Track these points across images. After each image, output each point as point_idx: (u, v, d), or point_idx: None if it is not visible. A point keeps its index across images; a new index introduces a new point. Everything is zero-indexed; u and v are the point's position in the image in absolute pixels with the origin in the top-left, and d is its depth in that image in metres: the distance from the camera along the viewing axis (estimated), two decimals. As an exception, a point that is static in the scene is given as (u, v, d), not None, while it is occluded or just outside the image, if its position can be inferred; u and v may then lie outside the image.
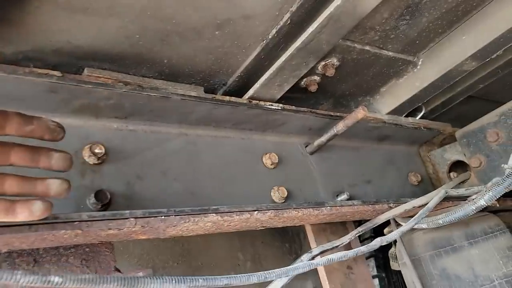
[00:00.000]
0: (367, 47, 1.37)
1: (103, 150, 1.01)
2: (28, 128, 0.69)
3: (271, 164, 1.34)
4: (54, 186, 0.72)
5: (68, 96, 0.96)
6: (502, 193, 1.35)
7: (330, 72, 1.37)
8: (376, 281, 2.15)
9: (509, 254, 1.55)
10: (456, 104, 1.96)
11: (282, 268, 1.02)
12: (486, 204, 1.36)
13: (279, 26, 1.13)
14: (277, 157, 1.36)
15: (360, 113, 1.32)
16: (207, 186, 1.18)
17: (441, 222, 1.44)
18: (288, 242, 1.95)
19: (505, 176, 1.35)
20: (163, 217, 0.92)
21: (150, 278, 0.82)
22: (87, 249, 0.99)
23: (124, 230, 0.89)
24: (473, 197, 1.50)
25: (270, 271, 0.99)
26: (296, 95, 1.51)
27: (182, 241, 1.60)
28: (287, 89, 1.31)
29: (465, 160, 1.78)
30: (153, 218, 0.90)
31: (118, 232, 0.89)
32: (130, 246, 1.50)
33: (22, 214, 0.66)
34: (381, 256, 2.21)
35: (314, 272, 1.57)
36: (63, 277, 0.67)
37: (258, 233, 1.85)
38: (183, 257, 1.60)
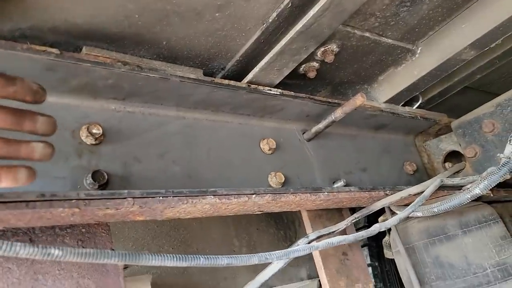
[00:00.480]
0: (367, 34, 1.37)
1: (100, 131, 1.00)
2: (11, 89, 0.67)
3: (269, 150, 1.34)
4: (39, 149, 0.70)
5: (65, 74, 0.95)
6: (497, 182, 1.36)
7: (330, 58, 1.37)
8: (370, 269, 2.16)
9: (501, 243, 1.57)
10: (453, 95, 1.96)
11: (282, 250, 1.02)
12: (481, 193, 1.37)
13: (279, 9, 1.12)
14: (274, 142, 1.35)
15: (358, 99, 1.31)
16: (205, 169, 1.18)
17: (436, 211, 1.45)
18: (283, 229, 1.95)
19: (500, 165, 1.36)
20: (161, 198, 0.91)
21: (151, 255, 0.81)
22: (83, 230, 0.98)
23: (122, 210, 0.88)
24: (468, 186, 1.51)
25: (270, 252, 0.99)
26: (294, 81, 1.50)
27: (178, 226, 1.60)
28: (286, 73, 1.30)
29: (460, 150, 1.79)
30: (151, 198, 0.90)
31: (116, 212, 0.88)
32: (125, 230, 1.49)
33: (6, 181, 0.64)
34: (375, 245, 2.23)
35: (308, 259, 1.58)
36: (63, 250, 0.66)
37: (253, 220, 1.86)
38: (179, 242, 1.60)
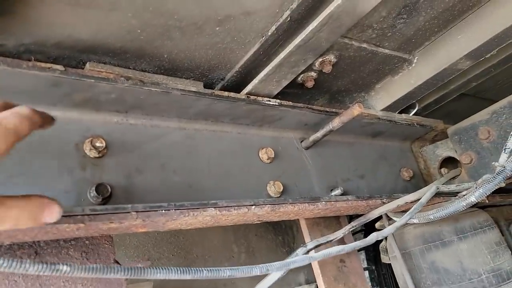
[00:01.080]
0: (364, 45, 1.39)
1: (103, 144, 1.02)
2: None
3: (267, 159, 1.36)
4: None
5: (69, 90, 0.97)
6: (492, 190, 1.39)
7: (327, 68, 1.39)
8: (366, 273, 2.19)
9: (496, 249, 1.60)
10: (449, 102, 1.99)
11: (281, 261, 1.05)
12: (477, 201, 1.40)
13: (279, 23, 1.14)
14: (273, 151, 1.38)
15: (356, 109, 1.34)
16: (205, 179, 1.20)
17: (432, 218, 1.47)
18: (281, 235, 1.97)
19: (495, 173, 1.39)
20: (163, 211, 0.93)
21: (155, 268, 0.84)
22: (87, 242, 1.00)
23: (125, 224, 0.90)
24: (464, 193, 1.53)
25: (270, 263, 1.01)
26: (292, 91, 1.52)
27: (178, 233, 1.62)
28: (285, 85, 1.33)
29: (456, 157, 1.82)
30: (153, 212, 0.92)
31: (119, 226, 0.90)
32: (126, 238, 1.51)
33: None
34: (372, 249, 2.26)
35: (307, 265, 1.60)
36: (71, 266, 0.69)
37: (252, 226, 1.88)
38: (179, 248, 1.62)
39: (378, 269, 2.22)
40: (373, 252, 2.23)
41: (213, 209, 1.01)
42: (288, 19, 1.13)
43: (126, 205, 0.89)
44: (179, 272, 0.83)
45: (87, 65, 1.05)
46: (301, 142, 1.52)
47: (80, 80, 0.95)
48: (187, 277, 0.84)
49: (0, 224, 0.58)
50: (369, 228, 2.05)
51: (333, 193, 1.47)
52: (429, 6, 1.29)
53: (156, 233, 1.59)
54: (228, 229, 1.80)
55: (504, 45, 1.40)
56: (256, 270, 0.94)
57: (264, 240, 1.87)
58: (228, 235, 1.77)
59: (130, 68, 1.16)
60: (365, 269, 2.19)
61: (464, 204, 1.42)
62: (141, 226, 0.96)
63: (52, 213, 0.64)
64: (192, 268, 0.85)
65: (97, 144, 1.01)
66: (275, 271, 0.99)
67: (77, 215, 0.82)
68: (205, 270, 0.86)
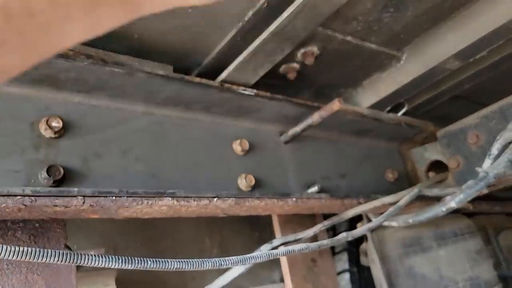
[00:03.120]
0: (349, 38, 1.34)
1: (60, 124, 0.98)
2: None
3: (241, 151, 1.31)
4: None
5: (24, 65, 0.92)
6: (473, 196, 1.33)
7: (309, 60, 1.34)
8: (347, 275, 2.14)
9: (476, 257, 1.55)
10: (441, 104, 1.93)
11: (239, 256, 1.00)
12: (456, 207, 1.35)
13: (255, 8, 1.09)
14: (248, 144, 1.33)
15: (335, 104, 1.29)
16: (171, 169, 1.15)
17: (411, 222, 1.43)
18: (258, 230, 1.92)
19: (477, 179, 1.34)
20: (114, 197, 0.89)
21: (96, 256, 0.79)
22: (37, 225, 0.96)
23: (72, 208, 0.86)
24: (446, 198, 1.48)
25: (225, 258, 0.97)
26: (274, 82, 1.47)
27: (147, 222, 1.57)
28: (262, 74, 1.27)
29: (444, 161, 1.76)
30: (103, 197, 0.87)
31: (66, 210, 0.86)
32: (91, 224, 1.47)
33: None
34: (355, 251, 2.20)
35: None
36: (1, 247, 0.65)
37: (227, 220, 1.83)
38: (147, 239, 1.57)
39: (360, 272, 2.17)
40: (355, 254, 2.18)
41: (170, 199, 0.97)
42: (265, 4, 1.08)
43: (72, 189, 0.85)
44: (121, 261, 0.79)
45: (46, 40, 1.00)
46: (280, 135, 1.47)
47: (35, 55, 0.90)
48: (129, 266, 0.80)
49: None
50: (354, 228, 2.00)
51: (309, 190, 1.42)
52: (417, 0, 1.23)
53: (125, 222, 1.55)
54: (202, 221, 1.75)
55: (495, 46, 1.34)
56: (208, 264, 0.90)
57: (239, 235, 1.82)
58: (201, 228, 1.72)
59: (99, 48, 1.11)
60: (346, 271, 2.14)
61: (444, 209, 1.37)
62: (91, 212, 0.91)
63: None
64: (135, 258, 0.81)
65: (53, 124, 0.97)
66: (230, 266, 0.94)
67: (16, 195, 0.78)
68: (149, 260, 0.82)
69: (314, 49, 1.33)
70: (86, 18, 0.30)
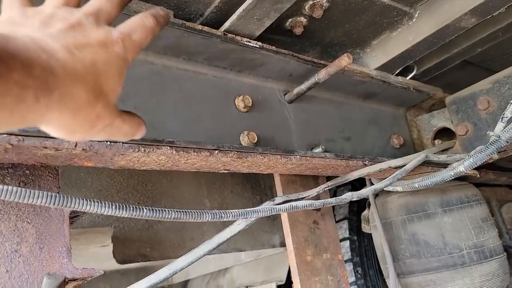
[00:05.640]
0: (360, -11, 1.26)
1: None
2: None
3: (244, 107, 1.25)
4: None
5: None
6: (484, 160, 1.29)
7: (318, 13, 1.27)
8: (348, 243, 2.12)
9: (482, 225, 1.51)
10: (451, 69, 1.86)
11: (240, 209, 0.95)
12: (465, 171, 1.30)
13: (263, -50, 1.02)
14: (251, 100, 1.27)
15: (344, 60, 1.22)
16: (170, 121, 1.09)
17: (417, 186, 1.38)
18: (259, 194, 1.89)
19: (488, 143, 1.28)
20: (108, 142, 0.83)
21: (87, 200, 0.75)
22: (27, 172, 0.91)
23: (63, 152, 0.81)
24: (454, 164, 1.43)
25: (226, 210, 0.92)
26: (280, 37, 1.40)
27: (146, 181, 1.53)
28: (267, 24, 1.20)
29: (452, 128, 1.71)
30: (96, 142, 0.82)
31: (57, 154, 0.81)
32: (89, 179, 1.42)
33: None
34: (355, 219, 2.18)
35: (282, 226, 1.51)
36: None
37: (228, 182, 1.79)
38: (145, 197, 1.54)
39: (360, 240, 2.14)
40: (356, 222, 2.15)
41: (168, 148, 0.91)
42: None
43: (63, 131, 0.79)
44: (114, 207, 0.74)
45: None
46: (284, 94, 1.41)
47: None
48: (124, 214, 0.75)
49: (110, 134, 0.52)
50: (363, 201, 1.97)
51: (313, 151, 1.37)
52: None
53: (122, 179, 1.51)
54: (202, 182, 1.71)
55: (515, 1, 1.27)
56: (207, 216, 0.85)
57: (240, 198, 1.79)
58: (201, 189, 1.68)
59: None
60: (346, 239, 2.12)
61: (452, 174, 1.32)
62: (84, 158, 0.86)
63: (142, 133, 0.56)
64: (130, 205, 0.76)
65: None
66: (230, 218, 0.90)
67: (2, 133, 0.73)
68: (145, 208, 0.77)
69: (323, 0, 1.26)
70: None
